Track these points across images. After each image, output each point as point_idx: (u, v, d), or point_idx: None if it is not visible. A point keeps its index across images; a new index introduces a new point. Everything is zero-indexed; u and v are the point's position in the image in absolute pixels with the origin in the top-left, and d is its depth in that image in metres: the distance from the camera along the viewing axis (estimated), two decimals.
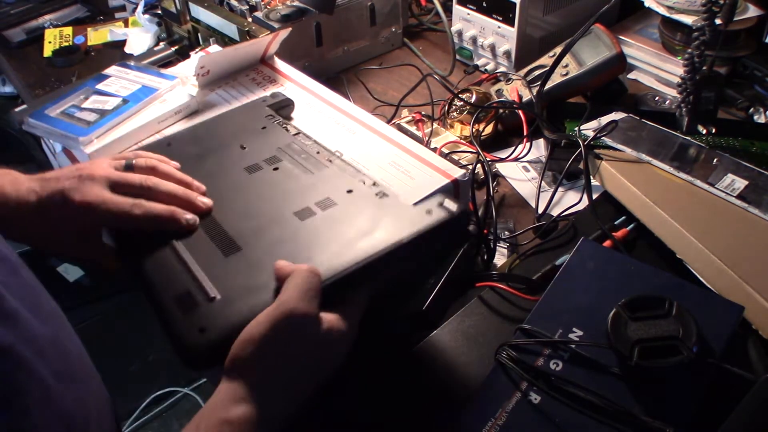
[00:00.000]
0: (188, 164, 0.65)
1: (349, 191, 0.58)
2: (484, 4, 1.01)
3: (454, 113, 0.89)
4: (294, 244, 0.52)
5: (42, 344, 0.43)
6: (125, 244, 0.57)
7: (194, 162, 0.66)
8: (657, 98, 0.93)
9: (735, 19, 0.79)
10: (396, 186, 0.62)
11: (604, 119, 0.81)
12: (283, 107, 0.76)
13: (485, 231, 0.68)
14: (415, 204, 0.54)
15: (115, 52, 1.20)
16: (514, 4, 0.95)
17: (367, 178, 0.59)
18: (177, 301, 0.48)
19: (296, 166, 0.63)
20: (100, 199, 0.54)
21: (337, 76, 1.06)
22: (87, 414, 0.47)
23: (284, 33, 0.90)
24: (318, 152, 0.64)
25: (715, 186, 0.69)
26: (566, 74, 0.88)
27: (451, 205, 0.52)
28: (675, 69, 0.96)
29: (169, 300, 0.48)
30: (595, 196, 0.74)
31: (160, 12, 1.17)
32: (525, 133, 0.84)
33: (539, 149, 0.86)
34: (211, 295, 0.48)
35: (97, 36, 1.25)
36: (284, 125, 0.71)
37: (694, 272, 0.61)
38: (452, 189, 0.64)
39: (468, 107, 0.88)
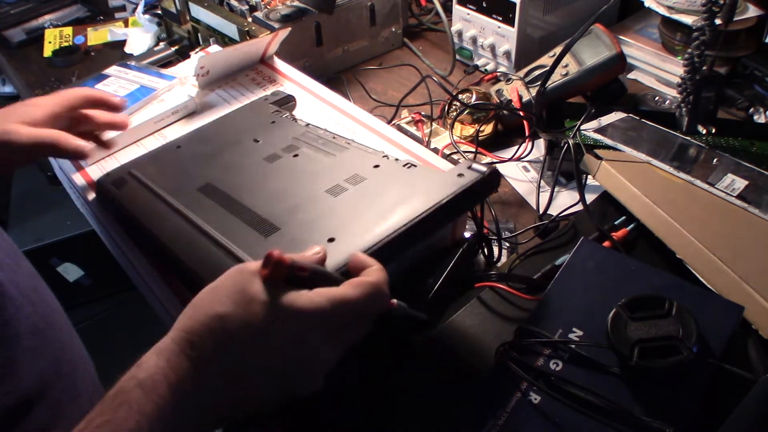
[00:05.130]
0: (202, 160, 0.65)
1: (376, 166, 0.57)
2: (484, 4, 1.00)
3: (454, 113, 0.89)
4: (332, 218, 0.52)
5: (25, 290, 0.46)
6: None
7: (209, 158, 0.65)
8: (657, 98, 0.93)
9: (735, 19, 0.79)
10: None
11: (604, 119, 0.81)
12: (285, 103, 0.77)
13: (485, 230, 0.68)
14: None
15: (115, 52, 1.20)
16: (514, 4, 0.95)
17: (390, 154, 0.59)
18: None
19: (316, 151, 0.62)
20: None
21: (336, 76, 1.06)
22: (70, 358, 0.49)
23: (284, 33, 0.90)
24: (334, 137, 0.64)
25: (715, 186, 0.69)
26: (566, 74, 0.88)
27: (480, 167, 0.54)
28: (675, 69, 0.96)
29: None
30: (595, 196, 0.74)
31: (160, 12, 1.17)
32: (526, 134, 0.84)
33: (540, 149, 0.86)
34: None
35: (97, 36, 1.25)
36: (293, 118, 0.70)
37: (694, 272, 0.61)
38: None
39: (467, 108, 0.88)
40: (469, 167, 0.54)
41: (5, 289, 0.44)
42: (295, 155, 0.61)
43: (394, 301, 0.45)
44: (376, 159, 0.58)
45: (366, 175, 0.56)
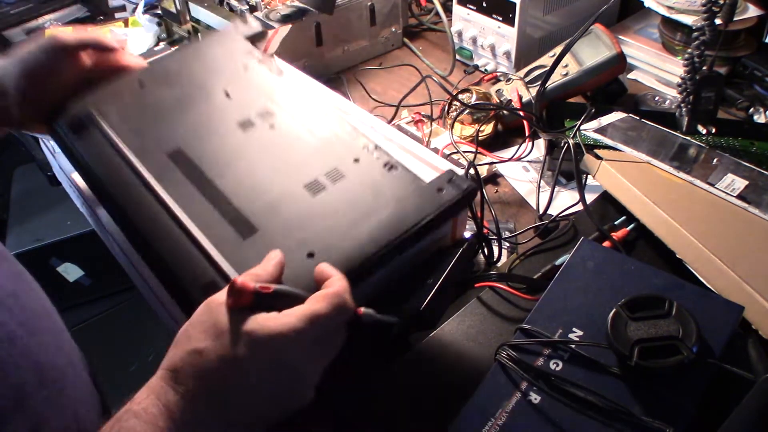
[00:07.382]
0: (170, 115, 0.62)
1: (356, 160, 0.56)
2: (484, 4, 1.01)
3: (454, 113, 0.89)
4: (311, 225, 0.52)
5: (1, 295, 0.44)
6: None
7: (176, 110, 0.62)
8: (657, 98, 0.93)
9: (735, 19, 0.79)
10: None
11: (604, 119, 0.81)
12: (259, 40, 0.74)
13: (485, 230, 0.68)
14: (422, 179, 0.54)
15: None
16: (514, 4, 0.95)
17: (368, 141, 0.58)
18: (203, 291, 0.47)
19: (292, 121, 0.60)
20: None
21: (336, 76, 1.06)
22: (58, 365, 0.47)
23: (284, 30, 0.90)
24: (309, 100, 0.63)
25: (715, 186, 0.69)
26: (566, 74, 0.88)
27: (461, 182, 0.53)
28: (675, 69, 0.96)
29: (196, 291, 0.48)
30: (595, 196, 0.74)
31: (160, 12, 1.17)
32: (526, 134, 0.84)
33: (540, 149, 0.86)
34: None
35: None
36: (265, 59, 0.68)
37: (694, 272, 0.61)
38: None
39: (467, 108, 0.88)
40: (450, 180, 0.53)
41: None
42: (271, 126, 0.60)
43: (362, 309, 0.45)
44: (356, 150, 0.57)
45: (345, 170, 0.55)
